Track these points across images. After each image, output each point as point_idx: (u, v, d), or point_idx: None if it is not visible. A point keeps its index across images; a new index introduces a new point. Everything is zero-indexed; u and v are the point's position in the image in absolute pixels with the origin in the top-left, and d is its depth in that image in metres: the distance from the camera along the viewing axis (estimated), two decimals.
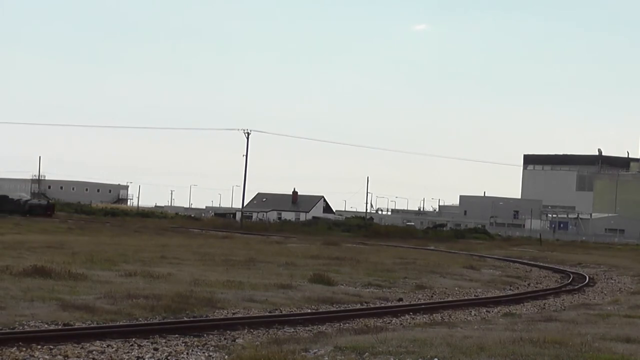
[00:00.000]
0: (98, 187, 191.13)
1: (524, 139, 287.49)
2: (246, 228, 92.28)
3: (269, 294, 22.50)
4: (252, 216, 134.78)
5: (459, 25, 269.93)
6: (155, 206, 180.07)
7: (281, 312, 19.55)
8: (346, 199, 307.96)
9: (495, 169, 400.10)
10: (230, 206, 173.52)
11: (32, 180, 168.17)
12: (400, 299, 24.47)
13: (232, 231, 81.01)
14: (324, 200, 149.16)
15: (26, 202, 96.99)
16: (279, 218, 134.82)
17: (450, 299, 25.68)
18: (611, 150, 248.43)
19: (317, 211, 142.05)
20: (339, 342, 13.37)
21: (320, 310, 20.63)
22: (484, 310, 22.94)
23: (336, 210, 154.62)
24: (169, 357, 13.36)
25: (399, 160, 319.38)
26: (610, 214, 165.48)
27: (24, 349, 13.26)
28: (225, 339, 15.39)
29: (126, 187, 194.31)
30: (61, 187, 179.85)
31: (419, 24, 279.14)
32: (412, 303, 23.41)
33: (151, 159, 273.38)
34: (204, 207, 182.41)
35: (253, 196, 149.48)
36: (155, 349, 13.92)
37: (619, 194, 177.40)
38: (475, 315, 21.87)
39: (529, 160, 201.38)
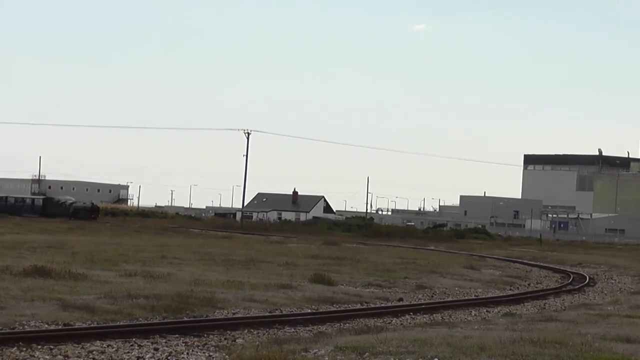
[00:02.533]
0: (98, 187, 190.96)
1: (524, 139, 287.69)
2: (246, 228, 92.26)
3: (269, 294, 22.50)
4: (252, 216, 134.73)
5: (459, 25, 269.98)
6: (156, 206, 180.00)
7: (281, 312, 19.56)
8: (346, 199, 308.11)
9: (495, 169, 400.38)
10: (230, 206, 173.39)
11: (32, 180, 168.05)
12: (401, 299, 24.47)
13: (232, 231, 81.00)
14: (324, 200, 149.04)
15: (71, 204, 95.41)
16: (279, 218, 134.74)
17: (450, 299, 25.68)
18: (611, 150, 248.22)
19: (318, 211, 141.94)
20: (339, 342, 13.37)
21: (321, 310, 20.63)
22: (484, 310, 22.93)
23: (336, 210, 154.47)
24: (169, 357, 13.36)
25: (399, 160, 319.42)
26: (610, 214, 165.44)
27: (24, 348, 13.26)
28: (225, 339, 15.39)
29: (126, 187, 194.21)
30: (61, 187, 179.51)
31: (418, 24, 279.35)
32: (412, 303, 23.42)
33: (151, 159, 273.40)
34: (204, 207, 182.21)
35: (253, 196, 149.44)
36: (156, 349, 13.92)
37: (619, 194, 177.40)
38: (475, 315, 21.86)
39: (529, 160, 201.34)
